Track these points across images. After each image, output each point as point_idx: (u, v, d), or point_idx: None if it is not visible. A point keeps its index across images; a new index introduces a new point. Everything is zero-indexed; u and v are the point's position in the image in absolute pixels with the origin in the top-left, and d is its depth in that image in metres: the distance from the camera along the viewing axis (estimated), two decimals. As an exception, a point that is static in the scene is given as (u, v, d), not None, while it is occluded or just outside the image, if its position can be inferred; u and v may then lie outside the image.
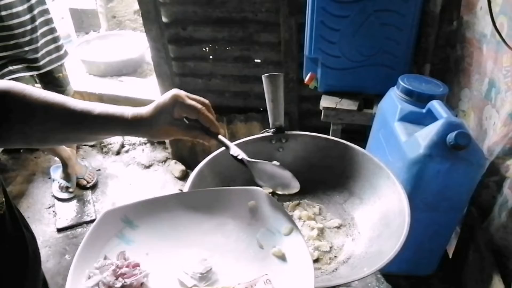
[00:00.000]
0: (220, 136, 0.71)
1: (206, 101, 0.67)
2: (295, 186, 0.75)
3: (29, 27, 1.71)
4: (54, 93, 0.62)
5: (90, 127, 0.63)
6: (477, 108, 1.22)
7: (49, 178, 2.32)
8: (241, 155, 0.71)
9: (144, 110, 0.64)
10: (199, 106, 0.65)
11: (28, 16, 1.70)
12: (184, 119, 0.66)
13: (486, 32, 1.19)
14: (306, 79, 1.57)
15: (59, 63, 1.91)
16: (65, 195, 2.20)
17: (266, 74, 0.90)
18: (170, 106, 0.63)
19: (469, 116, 1.26)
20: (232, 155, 0.72)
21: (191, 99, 0.65)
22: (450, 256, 1.22)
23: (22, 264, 0.53)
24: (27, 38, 1.72)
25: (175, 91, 0.65)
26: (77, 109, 0.61)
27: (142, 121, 0.63)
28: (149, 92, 2.51)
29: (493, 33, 1.14)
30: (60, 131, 0.63)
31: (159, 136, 0.65)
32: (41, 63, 1.81)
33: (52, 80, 1.91)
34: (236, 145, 0.95)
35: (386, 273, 1.21)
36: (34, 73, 1.81)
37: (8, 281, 0.50)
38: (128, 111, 0.63)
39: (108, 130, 0.64)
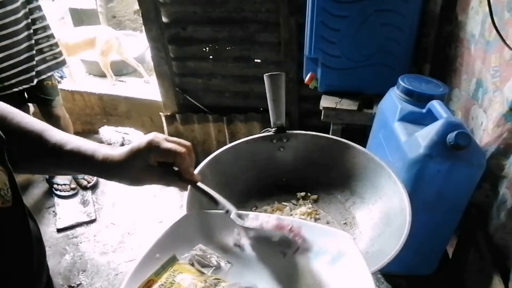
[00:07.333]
0: (200, 184, 0.64)
1: (187, 143, 0.61)
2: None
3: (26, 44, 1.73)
4: (36, 120, 0.59)
5: (58, 162, 0.59)
6: (464, 108, 1.23)
7: (47, 178, 2.30)
8: (230, 211, 0.63)
9: (116, 152, 0.58)
10: (176, 148, 0.58)
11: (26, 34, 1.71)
12: (161, 165, 0.60)
13: (475, 32, 1.19)
14: (306, 79, 1.57)
15: (50, 74, 1.90)
16: (65, 193, 2.20)
17: (268, 74, 0.91)
18: (145, 150, 0.57)
19: (457, 116, 1.27)
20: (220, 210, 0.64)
21: (170, 142, 0.59)
22: (450, 256, 1.22)
23: (28, 254, 0.53)
24: (23, 57, 1.73)
25: (152, 135, 0.59)
26: (51, 141, 0.58)
27: (113, 164, 0.58)
28: (149, 92, 2.51)
29: (481, 33, 1.14)
30: (33, 161, 0.60)
31: (130, 181, 0.60)
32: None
33: (40, 86, 1.89)
34: (236, 144, 0.96)
35: (386, 273, 1.21)
36: (30, 84, 1.81)
37: (14, 271, 0.50)
38: (100, 152, 0.58)
39: (78, 169, 0.61)
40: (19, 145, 0.57)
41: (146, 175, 0.59)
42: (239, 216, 0.63)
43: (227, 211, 0.63)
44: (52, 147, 0.58)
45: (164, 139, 0.59)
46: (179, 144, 0.60)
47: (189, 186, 0.69)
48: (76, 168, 0.61)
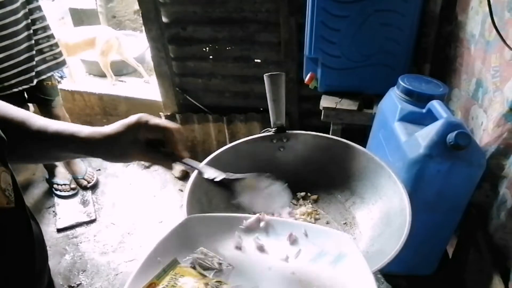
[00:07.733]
0: (187, 159, 0.66)
1: (176, 124, 0.65)
2: (284, 203, 0.72)
3: (26, 44, 1.73)
4: (19, 108, 0.60)
5: (42, 145, 0.60)
6: (464, 108, 1.23)
7: (47, 178, 2.30)
8: (219, 176, 0.66)
9: (106, 128, 0.61)
10: (165, 124, 0.62)
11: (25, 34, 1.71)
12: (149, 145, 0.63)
13: (475, 32, 1.19)
14: (306, 79, 1.57)
15: (50, 74, 1.91)
16: (65, 193, 2.20)
17: (268, 74, 0.91)
18: (135, 125, 0.60)
19: (456, 116, 1.27)
20: (207, 179, 0.66)
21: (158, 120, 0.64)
22: (450, 256, 1.22)
23: (30, 254, 0.53)
24: (23, 57, 1.72)
25: (140, 114, 0.63)
26: (34, 126, 0.59)
27: (102, 138, 0.60)
28: (149, 92, 2.51)
29: (481, 33, 1.14)
30: (20, 148, 0.60)
31: (118, 156, 0.62)
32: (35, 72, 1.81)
33: (40, 86, 1.89)
34: (236, 144, 0.96)
35: (386, 273, 1.21)
36: (30, 85, 1.81)
37: (17, 272, 0.50)
38: (85, 129, 0.60)
39: (64, 149, 0.61)
40: (7, 134, 0.56)
41: (134, 150, 0.62)
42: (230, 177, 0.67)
43: (214, 178, 0.66)
44: (37, 131, 0.59)
45: (153, 117, 0.62)
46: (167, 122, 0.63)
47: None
48: (62, 148, 0.61)
